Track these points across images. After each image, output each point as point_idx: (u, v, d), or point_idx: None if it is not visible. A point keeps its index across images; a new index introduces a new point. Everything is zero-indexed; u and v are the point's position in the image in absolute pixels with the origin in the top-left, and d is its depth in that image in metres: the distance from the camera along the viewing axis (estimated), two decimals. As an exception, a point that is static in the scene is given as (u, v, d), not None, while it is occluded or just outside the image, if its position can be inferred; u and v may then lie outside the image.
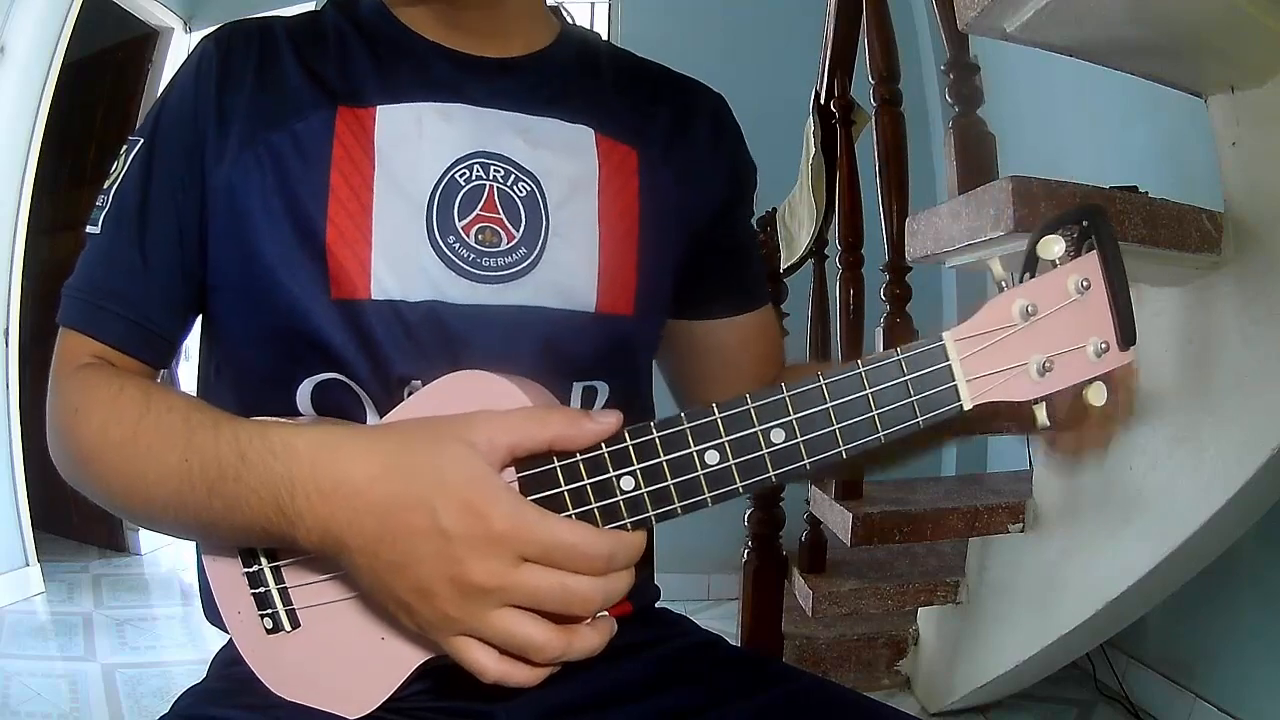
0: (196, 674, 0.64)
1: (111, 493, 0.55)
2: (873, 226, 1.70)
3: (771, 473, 0.47)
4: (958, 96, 1.62)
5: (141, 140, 0.61)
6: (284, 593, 0.54)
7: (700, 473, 0.47)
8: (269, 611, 0.54)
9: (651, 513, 0.48)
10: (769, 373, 0.76)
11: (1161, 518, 1.26)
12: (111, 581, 2.90)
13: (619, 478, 0.48)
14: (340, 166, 0.59)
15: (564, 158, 0.63)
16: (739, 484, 0.47)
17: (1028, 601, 1.56)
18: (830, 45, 1.95)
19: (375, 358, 0.57)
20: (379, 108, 0.60)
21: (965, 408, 0.46)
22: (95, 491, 0.56)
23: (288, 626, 0.54)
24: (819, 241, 1.96)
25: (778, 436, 0.46)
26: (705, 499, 0.48)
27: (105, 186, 0.61)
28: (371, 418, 0.58)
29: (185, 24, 3.32)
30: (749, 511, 1.80)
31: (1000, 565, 1.64)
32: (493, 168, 0.61)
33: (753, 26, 2.98)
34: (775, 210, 2.03)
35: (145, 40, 3.27)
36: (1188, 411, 1.23)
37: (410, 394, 0.56)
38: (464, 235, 0.59)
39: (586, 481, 0.48)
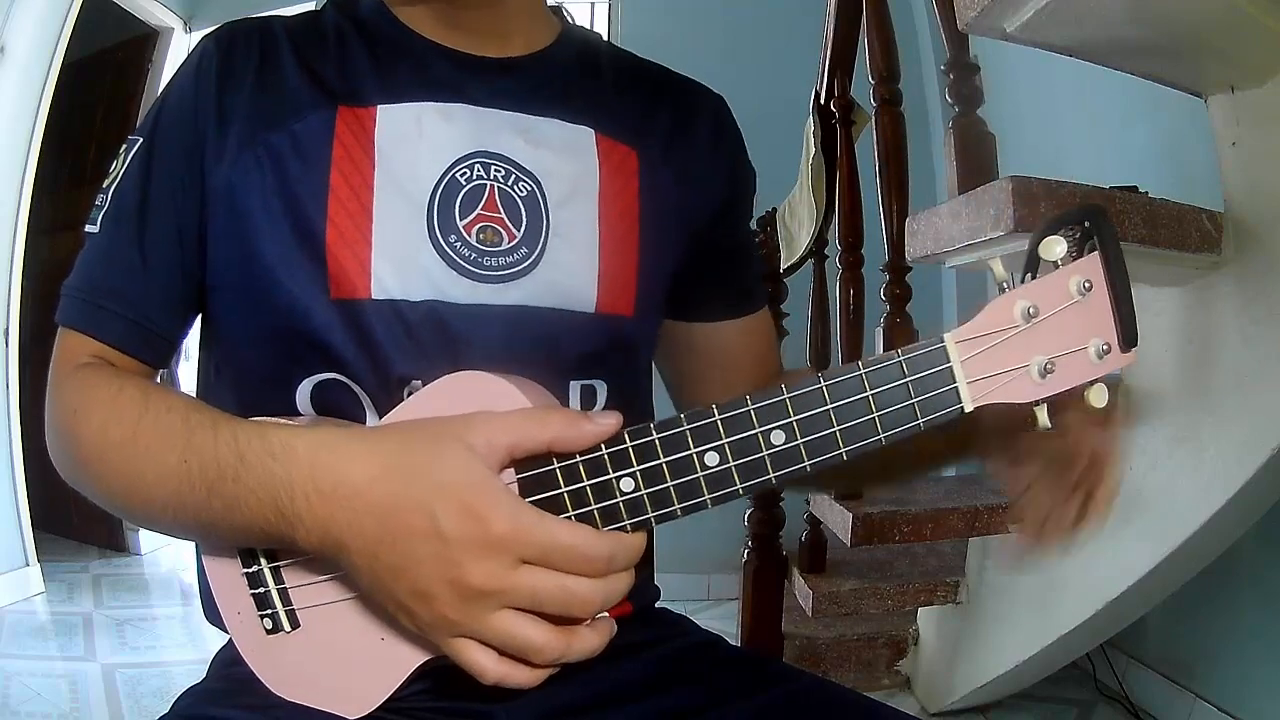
0: (196, 674, 0.64)
1: (111, 493, 0.55)
2: (873, 226, 1.70)
3: (772, 474, 0.47)
4: (958, 96, 1.62)
5: (141, 139, 0.61)
6: (284, 593, 0.54)
7: (700, 474, 0.47)
8: (269, 612, 0.54)
9: (651, 514, 0.48)
10: (765, 376, 0.76)
11: (1161, 518, 1.26)
12: (111, 581, 2.90)
13: (619, 479, 0.48)
14: (340, 166, 0.58)
15: (564, 158, 0.63)
16: (739, 486, 0.47)
17: (1028, 601, 1.56)
18: (830, 45, 1.95)
19: (375, 358, 0.57)
20: (379, 107, 0.60)
21: (967, 409, 0.46)
22: (95, 492, 0.56)
23: (287, 627, 0.54)
24: (819, 241, 1.96)
25: (778, 438, 0.46)
26: (705, 500, 0.48)
27: (104, 185, 0.61)
28: (371, 418, 0.58)
29: (185, 24, 3.32)
30: (749, 511, 1.80)
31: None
32: (493, 167, 0.61)
33: (753, 26, 2.98)
34: (775, 210, 2.03)
35: (145, 40, 3.27)
36: (1188, 411, 1.23)
37: (410, 394, 0.56)
38: (465, 235, 0.59)
39: (586, 483, 0.48)
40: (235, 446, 0.49)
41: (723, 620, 2.34)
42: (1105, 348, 0.44)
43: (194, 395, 0.63)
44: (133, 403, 0.54)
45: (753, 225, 2.00)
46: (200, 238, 0.60)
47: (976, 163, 1.58)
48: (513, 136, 0.62)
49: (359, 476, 0.47)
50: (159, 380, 0.64)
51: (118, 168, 0.61)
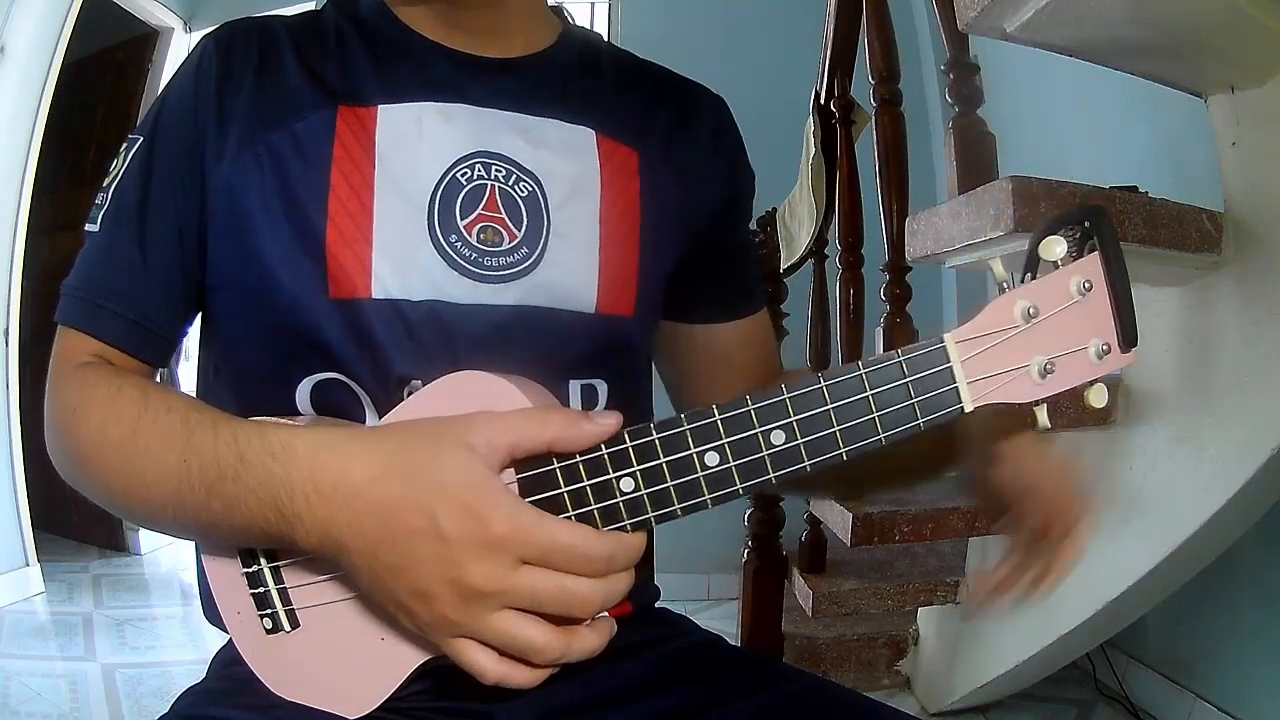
0: (196, 674, 0.64)
1: (110, 492, 0.55)
2: (873, 226, 1.70)
3: (772, 474, 0.47)
4: (958, 96, 1.62)
5: (141, 138, 0.61)
6: (283, 593, 0.54)
7: (700, 474, 0.47)
8: (268, 612, 0.54)
9: (651, 514, 0.48)
10: (765, 377, 0.76)
11: (1161, 518, 1.26)
12: (111, 581, 2.90)
13: (619, 479, 0.48)
14: (341, 166, 0.58)
15: (565, 158, 0.63)
16: (739, 485, 0.47)
17: (1028, 601, 1.56)
18: (830, 45, 1.95)
19: (375, 357, 0.57)
20: (380, 107, 0.60)
21: (967, 409, 0.46)
22: (94, 491, 0.56)
23: (287, 627, 0.54)
24: (819, 241, 1.96)
25: (778, 438, 0.46)
26: (705, 500, 0.48)
27: (105, 184, 0.61)
28: (370, 418, 0.58)
29: (185, 24, 3.32)
30: (749, 511, 1.80)
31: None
32: (494, 167, 0.61)
33: (753, 26, 2.98)
34: (775, 210, 2.03)
35: (145, 40, 3.27)
36: (1188, 411, 1.23)
37: (410, 394, 0.56)
38: (466, 234, 0.59)
39: (586, 483, 0.48)
40: (235, 446, 0.49)
41: (723, 620, 2.34)
42: (1105, 348, 0.44)
43: (194, 395, 0.63)
44: (132, 402, 0.54)
45: (753, 225, 2.00)
46: (200, 237, 0.60)
47: (976, 163, 1.58)
48: (513, 137, 0.62)
49: (359, 476, 0.47)
50: (159, 380, 0.64)
51: (118, 167, 0.61)
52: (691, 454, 0.47)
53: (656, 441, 0.47)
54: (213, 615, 0.59)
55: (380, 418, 0.56)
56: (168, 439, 0.51)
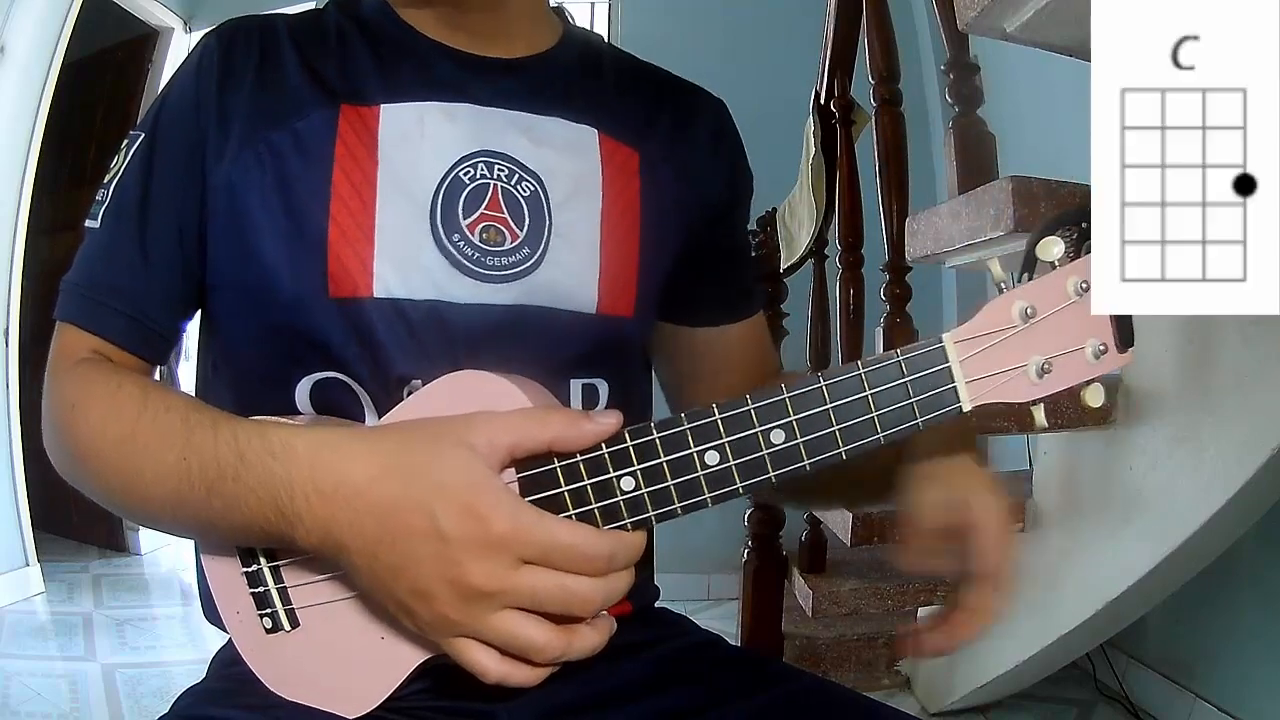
0: (196, 674, 0.64)
1: (109, 490, 0.55)
2: (873, 226, 1.70)
3: (772, 473, 0.47)
4: (958, 96, 1.62)
5: (143, 135, 0.61)
6: (283, 592, 0.54)
7: (700, 473, 0.47)
8: (268, 611, 0.54)
9: (652, 513, 0.48)
10: (762, 379, 0.76)
11: (1161, 518, 1.26)
12: (111, 581, 2.90)
13: (619, 478, 0.48)
14: (342, 164, 0.58)
15: (567, 158, 0.63)
16: (739, 484, 0.47)
17: (1027, 602, 1.56)
18: (830, 45, 1.95)
19: (375, 356, 0.57)
20: (382, 106, 0.60)
21: (965, 408, 0.46)
22: (92, 488, 0.56)
23: (287, 626, 0.54)
24: (819, 241, 1.96)
25: (778, 437, 0.46)
26: (705, 499, 0.48)
27: (105, 181, 0.61)
28: (370, 417, 0.58)
29: (185, 24, 3.32)
30: (749, 511, 1.80)
31: (1000, 565, 1.63)
32: (497, 167, 0.61)
33: (753, 26, 2.99)
34: (775, 210, 2.03)
35: (145, 40, 3.28)
36: (1188, 411, 1.23)
37: (410, 393, 0.56)
38: (469, 234, 0.59)
39: (587, 482, 0.48)
40: (235, 445, 0.49)
41: (723, 620, 2.34)
42: (1102, 348, 0.45)
43: (193, 394, 0.63)
44: (131, 400, 0.54)
45: (753, 225, 1.99)
46: (201, 235, 0.60)
47: (976, 163, 1.58)
48: (516, 136, 0.62)
49: (359, 476, 0.47)
50: (158, 378, 0.64)
51: (119, 163, 0.61)
52: (692, 453, 0.47)
53: (657, 440, 0.47)
54: (212, 615, 0.59)
55: (380, 417, 0.56)
56: (167, 437, 0.51)
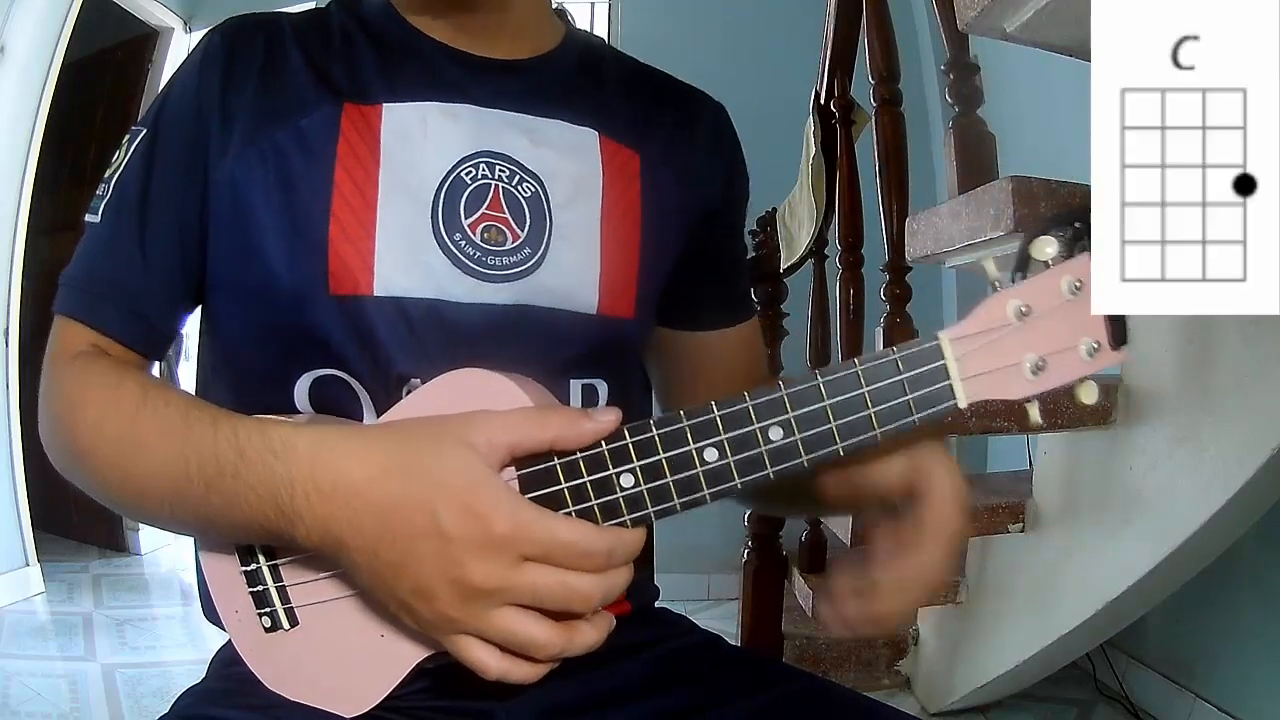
0: (196, 674, 0.64)
1: (107, 486, 0.55)
2: (873, 226, 1.70)
3: (770, 470, 0.47)
4: (958, 96, 1.62)
5: (145, 131, 0.61)
6: (282, 591, 0.54)
7: (699, 470, 0.47)
8: (267, 610, 0.54)
9: (651, 509, 0.48)
10: (753, 385, 0.76)
11: (1161, 518, 1.26)
12: (111, 581, 2.90)
13: (618, 475, 0.48)
14: (345, 163, 0.59)
15: (568, 159, 0.63)
16: (738, 481, 0.47)
17: (1027, 601, 1.56)
18: (830, 45, 1.95)
19: (375, 354, 0.57)
20: (385, 105, 0.60)
21: (961, 405, 0.47)
22: (90, 484, 0.56)
23: (286, 625, 0.54)
24: (819, 241, 1.96)
25: (776, 434, 0.47)
26: (704, 496, 0.48)
27: (106, 175, 0.61)
28: (369, 415, 0.58)
29: (185, 24, 3.32)
30: (749, 511, 1.80)
31: (1000, 565, 1.64)
32: (498, 167, 0.61)
33: (753, 26, 2.99)
34: (775, 210, 2.03)
35: (145, 40, 3.28)
36: (1188, 411, 1.23)
37: (409, 392, 0.56)
38: (470, 233, 0.59)
39: (586, 479, 0.48)
40: (235, 443, 0.49)
41: (723, 620, 2.34)
42: (1095, 346, 0.45)
43: (193, 393, 0.63)
44: (131, 395, 0.54)
45: (752, 225, 2.00)
46: (201, 231, 0.60)
47: (976, 163, 1.58)
48: (517, 137, 0.62)
49: (360, 475, 0.47)
50: (158, 376, 0.64)
51: (120, 158, 0.61)
52: (691, 450, 0.47)
53: (656, 437, 0.48)
54: (212, 615, 0.59)
55: (378, 415, 0.56)
56: (167, 433, 0.51)
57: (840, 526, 1.56)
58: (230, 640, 0.58)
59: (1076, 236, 0.45)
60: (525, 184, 0.61)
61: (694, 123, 0.71)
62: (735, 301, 0.76)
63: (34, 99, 2.68)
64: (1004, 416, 1.32)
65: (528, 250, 0.60)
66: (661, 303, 0.70)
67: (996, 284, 0.46)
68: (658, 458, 0.48)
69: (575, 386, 0.62)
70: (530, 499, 0.48)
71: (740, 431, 0.47)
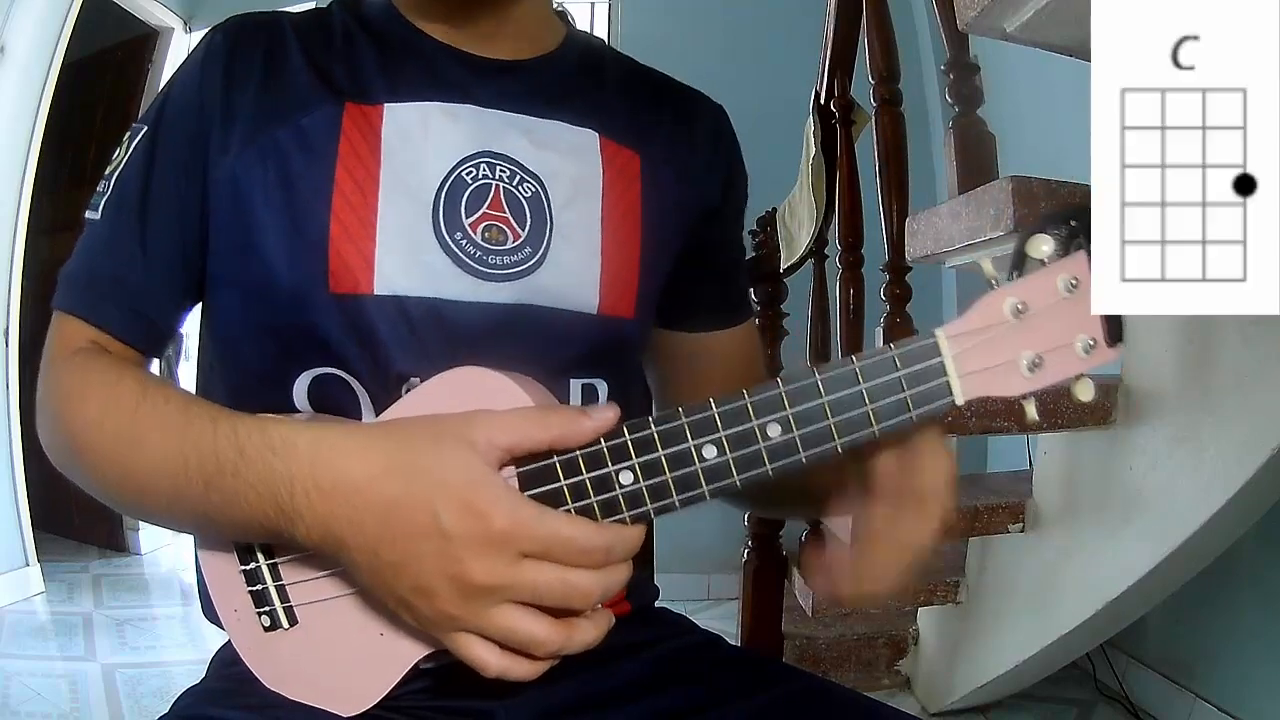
0: (196, 674, 0.64)
1: (105, 482, 0.55)
2: (873, 226, 1.70)
3: (768, 466, 0.47)
4: (958, 96, 1.62)
5: (146, 128, 0.61)
6: (281, 590, 0.54)
7: (698, 466, 0.48)
8: (266, 609, 0.54)
9: (650, 506, 0.48)
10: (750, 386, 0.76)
11: (1161, 518, 1.26)
12: (111, 581, 2.90)
13: (617, 472, 0.48)
14: (346, 162, 0.59)
15: (569, 160, 0.63)
16: (736, 478, 0.48)
17: (1027, 601, 1.56)
18: (830, 45, 1.95)
19: (375, 353, 0.57)
20: (386, 105, 0.60)
21: (958, 402, 0.47)
22: (87, 480, 0.56)
23: (285, 624, 0.54)
24: (819, 241, 1.96)
25: (774, 431, 0.47)
26: (703, 492, 0.48)
27: (107, 172, 0.61)
28: (368, 415, 0.58)
29: (185, 24, 3.32)
30: (749, 511, 1.80)
31: (1000, 565, 1.64)
32: (499, 167, 0.61)
33: (753, 26, 2.99)
34: (775, 210, 2.03)
35: (145, 40, 3.28)
36: (1188, 411, 1.23)
37: (408, 391, 0.56)
38: (471, 232, 0.59)
39: (585, 476, 0.48)
40: (235, 440, 0.49)
41: (723, 620, 2.34)
42: (1091, 343, 0.45)
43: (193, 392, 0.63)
44: (130, 392, 0.54)
45: (753, 225, 1.99)
46: (202, 229, 0.60)
47: (976, 163, 1.58)
48: (518, 137, 0.62)
49: (360, 474, 0.47)
50: (159, 372, 0.64)
51: (121, 155, 0.61)
52: (690, 446, 0.47)
53: (655, 435, 0.48)
54: (212, 615, 0.59)
55: (377, 415, 0.56)
56: (166, 430, 0.51)
57: (841, 527, 1.55)
58: (230, 640, 0.58)
59: (1072, 235, 0.45)
60: (526, 184, 0.61)
61: (694, 124, 0.71)
62: (733, 303, 0.76)
63: (34, 99, 2.68)
64: (1004, 416, 1.32)
65: (528, 250, 0.60)
66: (660, 304, 0.70)
67: (993, 282, 0.47)
68: (656, 455, 0.48)
69: (575, 386, 0.62)
70: (530, 496, 0.48)
71: (739, 428, 0.47)
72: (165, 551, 3.24)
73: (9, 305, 2.70)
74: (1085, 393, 0.46)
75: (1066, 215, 0.46)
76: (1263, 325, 1.10)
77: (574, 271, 0.62)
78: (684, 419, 0.47)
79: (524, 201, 0.61)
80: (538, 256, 0.61)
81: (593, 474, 0.48)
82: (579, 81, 0.68)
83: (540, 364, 0.57)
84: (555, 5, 0.71)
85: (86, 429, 0.54)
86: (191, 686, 0.63)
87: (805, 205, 1.97)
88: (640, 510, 0.48)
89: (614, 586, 0.48)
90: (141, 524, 3.14)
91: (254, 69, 0.60)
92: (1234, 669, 1.62)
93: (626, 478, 0.48)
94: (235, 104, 0.59)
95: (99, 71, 3.30)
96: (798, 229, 2.00)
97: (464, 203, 0.59)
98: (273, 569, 0.54)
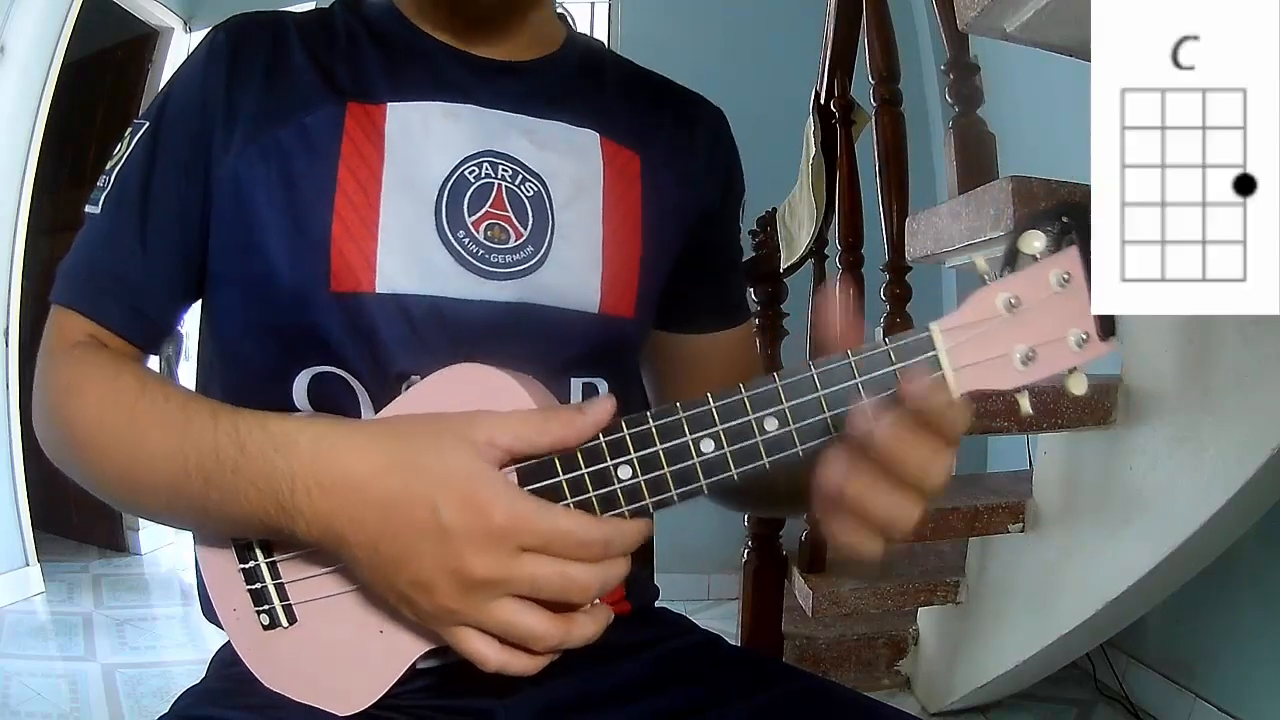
0: (196, 674, 0.64)
1: (102, 477, 0.55)
2: (873, 226, 1.70)
3: (765, 460, 0.48)
4: (958, 96, 1.62)
5: (147, 124, 0.61)
6: (280, 588, 0.54)
7: (696, 461, 0.48)
8: (266, 607, 0.54)
9: (649, 501, 0.49)
10: None
11: (1161, 518, 1.26)
12: (111, 581, 2.90)
13: (616, 467, 0.48)
14: (348, 161, 0.59)
15: (570, 160, 0.64)
16: (734, 471, 0.48)
17: (1027, 601, 1.56)
18: (830, 45, 1.95)
19: (375, 352, 0.57)
20: (389, 105, 0.61)
21: (953, 395, 0.47)
22: (84, 475, 0.56)
23: (284, 622, 0.54)
24: (819, 241, 1.96)
25: (771, 424, 0.47)
26: (701, 486, 0.48)
27: (108, 168, 0.61)
28: (367, 414, 0.58)
29: (185, 24, 3.32)
30: (747, 513, 1.80)
31: (1000, 565, 1.64)
32: (501, 167, 0.61)
33: (753, 26, 2.99)
34: (775, 210, 2.03)
35: (145, 40, 3.28)
36: (1188, 411, 1.23)
37: (408, 388, 0.56)
38: (474, 231, 0.59)
39: (584, 471, 0.48)
40: (236, 436, 0.49)
41: (723, 620, 2.34)
42: (1084, 337, 0.46)
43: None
44: (129, 387, 0.54)
45: (752, 225, 1.99)
46: (203, 226, 0.60)
47: (976, 163, 1.59)
48: (519, 138, 0.63)
49: (362, 470, 0.47)
50: (160, 371, 0.64)
51: (122, 151, 0.61)
52: (687, 441, 0.48)
53: (653, 430, 0.48)
54: (212, 615, 0.59)
55: (377, 414, 0.56)
56: (166, 426, 0.51)
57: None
58: (229, 640, 0.58)
59: (1064, 231, 0.46)
60: (528, 184, 0.61)
61: (693, 126, 0.72)
62: (730, 305, 0.76)
63: (34, 99, 2.68)
64: (1003, 416, 1.32)
65: (530, 249, 0.60)
66: (658, 305, 0.70)
67: (986, 277, 0.47)
68: (655, 449, 0.48)
69: (576, 385, 0.63)
70: (529, 491, 0.48)
71: (736, 422, 0.48)
72: (165, 551, 3.24)
73: (9, 305, 2.70)
74: (1078, 386, 0.47)
75: (1058, 212, 0.46)
76: (1263, 325, 1.10)
77: (575, 271, 0.62)
78: (681, 414, 0.48)
79: (526, 201, 0.61)
80: (539, 255, 0.61)
81: (591, 469, 0.48)
82: (579, 83, 0.68)
83: (541, 363, 0.57)
84: (556, 7, 0.71)
85: (85, 423, 0.54)
86: (191, 686, 0.63)
87: (805, 205, 1.97)
88: (639, 505, 0.49)
89: (612, 580, 0.48)
90: (142, 524, 3.15)
91: (257, 68, 0.60)
92: (1234, 669, 1.62)
93: (625, 473, 0.48)
94: (238, 103, 0.59)
95: (99, 71, 3.30)
96: (798, 229, 2.00)
97: (466, 202, 0.60)
98: (271, 567, 0.54)
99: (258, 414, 0.51)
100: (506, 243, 0.60)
